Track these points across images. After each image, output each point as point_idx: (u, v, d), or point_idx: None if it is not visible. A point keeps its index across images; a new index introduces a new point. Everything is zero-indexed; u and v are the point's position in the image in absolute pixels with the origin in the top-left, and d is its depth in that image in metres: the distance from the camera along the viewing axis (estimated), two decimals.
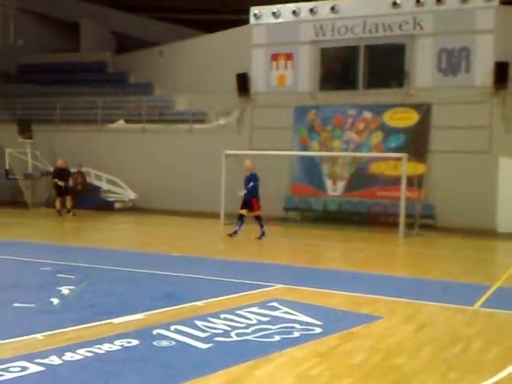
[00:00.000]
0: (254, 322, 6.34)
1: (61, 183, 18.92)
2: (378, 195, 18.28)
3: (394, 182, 16.36)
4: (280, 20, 20.32)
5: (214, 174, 17.98)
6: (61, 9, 28.67)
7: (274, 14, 20.35)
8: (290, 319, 6.49)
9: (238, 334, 5.85)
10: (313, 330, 6.12)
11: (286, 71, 20.24)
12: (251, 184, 13.86)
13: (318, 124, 19.57)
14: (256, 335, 5.84)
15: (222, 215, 17.15)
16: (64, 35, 29.03)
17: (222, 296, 7.63)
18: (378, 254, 12.87)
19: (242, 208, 13.97)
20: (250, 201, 13.90)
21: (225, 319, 6.37)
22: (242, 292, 7.90)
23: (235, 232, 13.93)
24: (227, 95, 20.67)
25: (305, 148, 19.62)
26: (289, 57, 20.17)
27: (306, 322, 6.38)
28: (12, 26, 28.47)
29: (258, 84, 20.66)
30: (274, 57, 20.34)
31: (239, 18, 23.05)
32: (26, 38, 27.94)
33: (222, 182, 17.17)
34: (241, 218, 13.93)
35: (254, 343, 5.62)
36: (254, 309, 6.86)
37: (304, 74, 19.99)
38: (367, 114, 18.97)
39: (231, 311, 6.69)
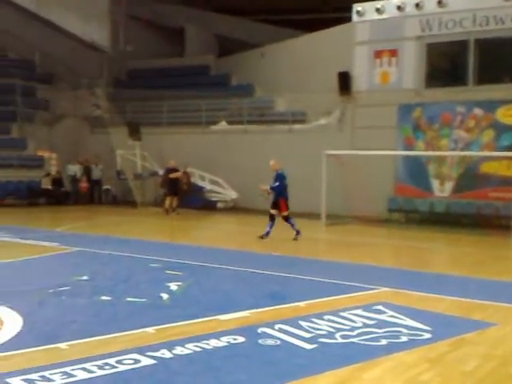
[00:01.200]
0: (360, 324, 6.24)
1: (176, 175, 19.67)
2: (489, 196, 17.38)
3: (508, 182, 15.51)
4: (384, 16, 19.88)
5: (314, 174, 17.90)
6: (167, 15, 29.71)
7: (377, 10, 19.93)
8: (396, 323, 6.33)
9: (342, 336, 5.78)
10: (421, 335, 5.94)
11: (389, 68, 19.76)
12: (276, 184, 13.52)
13: (423, 122, 18.93)
14: (361, 338, 5.74)
15: (323, 216, 17.05)
16: (170, 40, 30.05)
17: (325, 297, 7.58)
18: (489, 258, 12.25)
19: (273, 208, 13.63)
20: (278, 201, 13.56)
21: (329, 321, 6.32)
22: (346, 294, 7.80)
23: (267, 233, 13.44)
24: (328, 94, 20.49)
25: (409, 147, 19.04)
26: (393, 53, 19.68)
27: (414, 327, 6.19)
28: (121, 33, 29.86)
29: (360, 82, 20.32)
30: (378, 54, 19.92)
31: (341, 16, 22.78)
32: (134, 44, 29.20)
33: (322, 183, 17.07)
34: (272, 218, 13.55)
35: (359, 346, 5.53)
36: (359, 311, 6.75)
37: (409, 70, 19.43)
38: (478, 111, 18.09)
39: (335, 313, 6.62)
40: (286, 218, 13.61)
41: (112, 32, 29.70)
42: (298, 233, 13.49)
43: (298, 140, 20.87)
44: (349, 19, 20.97)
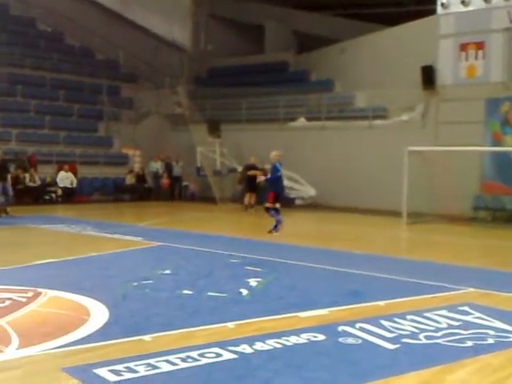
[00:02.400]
0: (444, 325, 6.05)
1: (255, 172, 19.59)
2: None
3: None
4: (470, 8, 19.17)
5: (395, 171, 17.52)
6: (247, 13, 29.94)
7: (463, 2, 19.25)
8: (483, 325, 6.11)
9: (426, 337, 5.63)
10: (509, 337, 5.72)
11: (476, 61, 19.05)
12: (268, 176, 13.83)
13: None
14: (446, 339, 5.57)
15: (405, 214, 16.67)
16: (250, 38, 30.27)
17: (408, 297, 7.40)
18: None
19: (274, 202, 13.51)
20: (270, 192, 13.52)
21: (412, 321, 6.16)
22: (429, 294, 7.58)
23: (275, 227, 13.40)
24: (411, 89, 19.99)
25: (497, 143, 18.27)
26: (479, 46, 18.95)
27: (502, 329, 5.95)
28: (202, 32, 30.37)
29: (444, 76, 19.70)
30: (463, 47, 19.24)
31: (424, 9, 22.16)
32: (214, 43, 29.62)
33: (404, 180, 16.68)
34: (275, 210, 13.44)
35: (444, 347, 5.37)
36: (443, 312, 6.55)
37: (496, 63, 18.64)
38: None
39: (418, 313, 6.45)
40: (267, 209, 13.52)
41: (193, 31, 30.29)
42: (275, 227, 13.33)
43: (379, 136, 20.50)
44: (432, 12, 20.39)
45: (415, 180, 16.41)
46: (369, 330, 5.75)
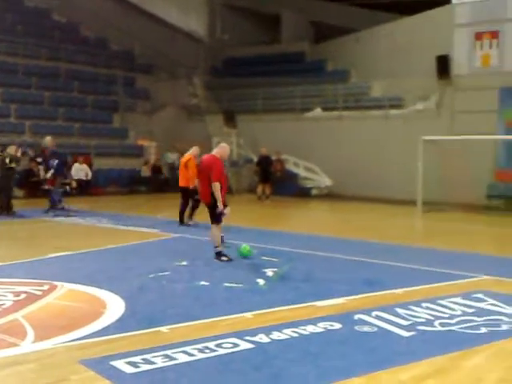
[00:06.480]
0: (459, 312, 6.14)
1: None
2: None
3: None
4: None
5: (410, 160, 17.52)
6: (263, 2, 29.74)
7: None
8: (496, 311, 6.21)
9: (441, 324, 5.72)
10: None
11: (490, 51, 18.94)
12: None
13: None
14: (461, 326, 5.66)
15: (419, 203, 16.66)
16: (266, 28, 30.14)
17: (423, 285, 7.48)
18: None
19: None
20: None
21: (427, 308, 6.26)
22: (444, 282, 7.67)
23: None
24: (426, 79, 19.94)
25: (511, 131, 18.18)
26: (494, 35, 18.85)
27: None
28: (218, 22, 30.26)
29: (459, 65, 19.60)
30: (478, 36, 19.13)
31: None
32: (230, 33, 29.49)
33: (419, 169, 16.67)
34: None
35: (459, 334, 5.46)
36: (458, 299, 6.64)
37: (511, 52, 18.52)
38: None
39: (433, 300, 6.54)
40: None
41: (209, 21, 30.18)
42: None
43: (395, 126, 20.47)
44: (447, 1, 20.27)
45: (430, 169, 16.41)
46: (384, 318, 5.84)
